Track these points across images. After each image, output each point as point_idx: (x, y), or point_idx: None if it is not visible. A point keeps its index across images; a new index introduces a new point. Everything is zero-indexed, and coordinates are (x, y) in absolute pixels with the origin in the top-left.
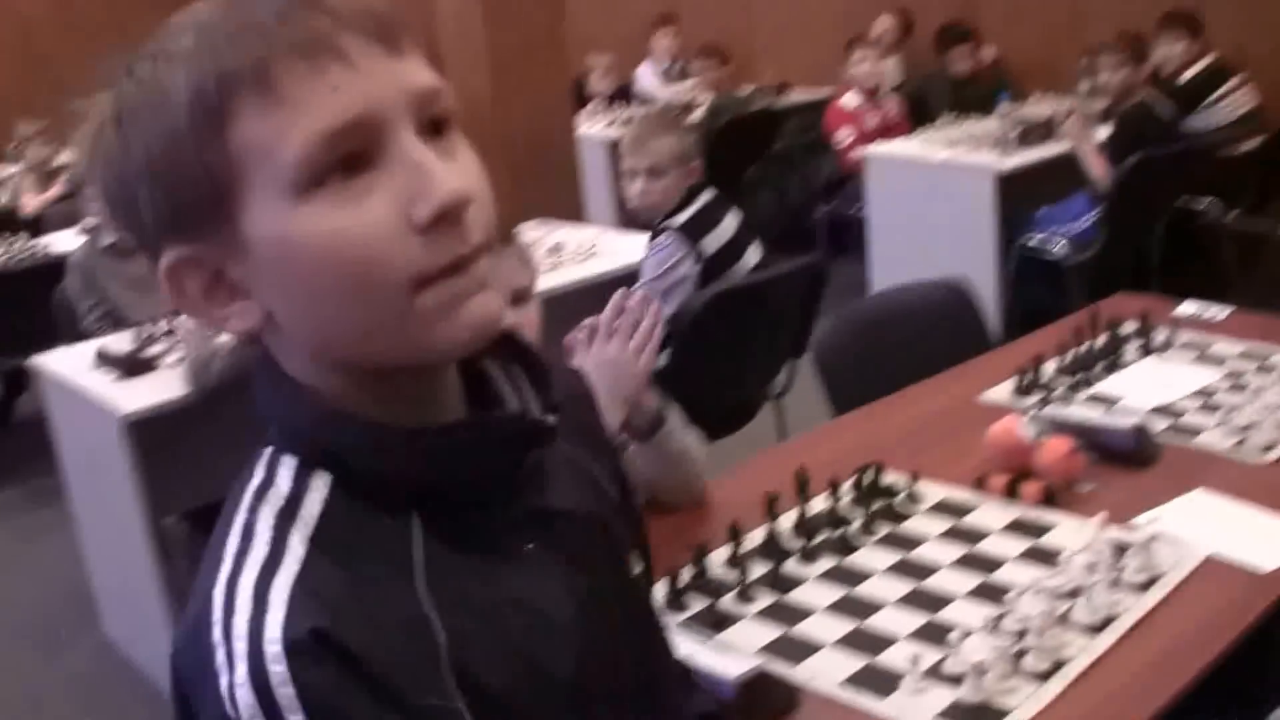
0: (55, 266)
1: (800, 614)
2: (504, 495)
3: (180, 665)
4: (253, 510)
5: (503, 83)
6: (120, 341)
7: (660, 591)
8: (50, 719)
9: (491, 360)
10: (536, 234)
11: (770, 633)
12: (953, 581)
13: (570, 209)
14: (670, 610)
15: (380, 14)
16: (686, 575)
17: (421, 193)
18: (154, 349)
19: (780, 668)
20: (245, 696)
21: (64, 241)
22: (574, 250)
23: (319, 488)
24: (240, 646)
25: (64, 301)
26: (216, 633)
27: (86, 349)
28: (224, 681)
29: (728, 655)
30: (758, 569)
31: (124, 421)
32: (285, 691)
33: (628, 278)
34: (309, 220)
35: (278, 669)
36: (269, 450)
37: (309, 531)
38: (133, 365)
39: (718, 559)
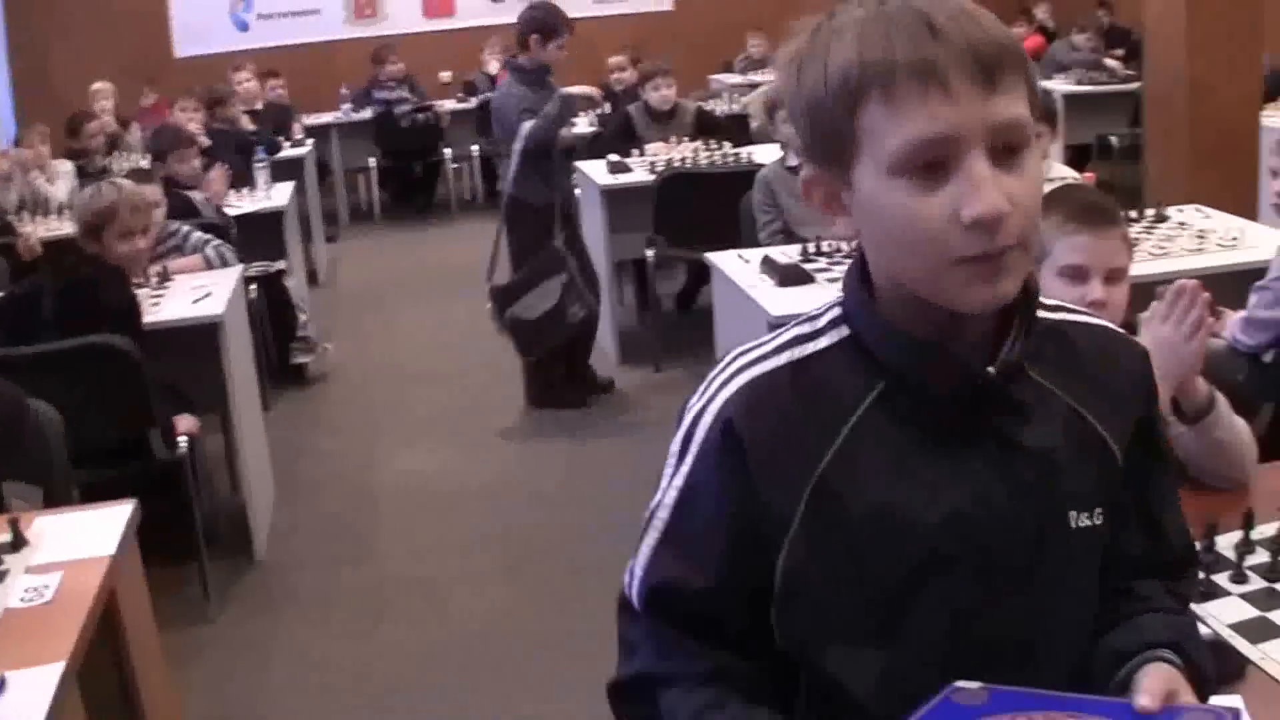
0: (749, 175)
1: None
2: (960, 407)
3: None
4: (789, 327)
5: (1198, 65)
6: (786, 253)
7: None
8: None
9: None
10: (1189, 218)
11: (1245, 613)
12: None
13: (1243, 200)
14: None
15: (985, 53)
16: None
17: (970, 201)
18: (817, 264)
19: (1238, 643)
20: (685, 424)
21: (765, 154)
22: (1218, 238)
23: (835, 335)
24: (707, 392)
25: (748, 209)
26: (711, 374)
27: (754, 254)
28: (687, 404)
29: None
30: (1260, 556)
31: (771, 323)
32: (698, 436)
33: (1258, 273)
34: (893, 194)
35: (705, 420)
36: (837, 299)
37: (801, 355)
38: (791, 275)
39: (1227, 540)
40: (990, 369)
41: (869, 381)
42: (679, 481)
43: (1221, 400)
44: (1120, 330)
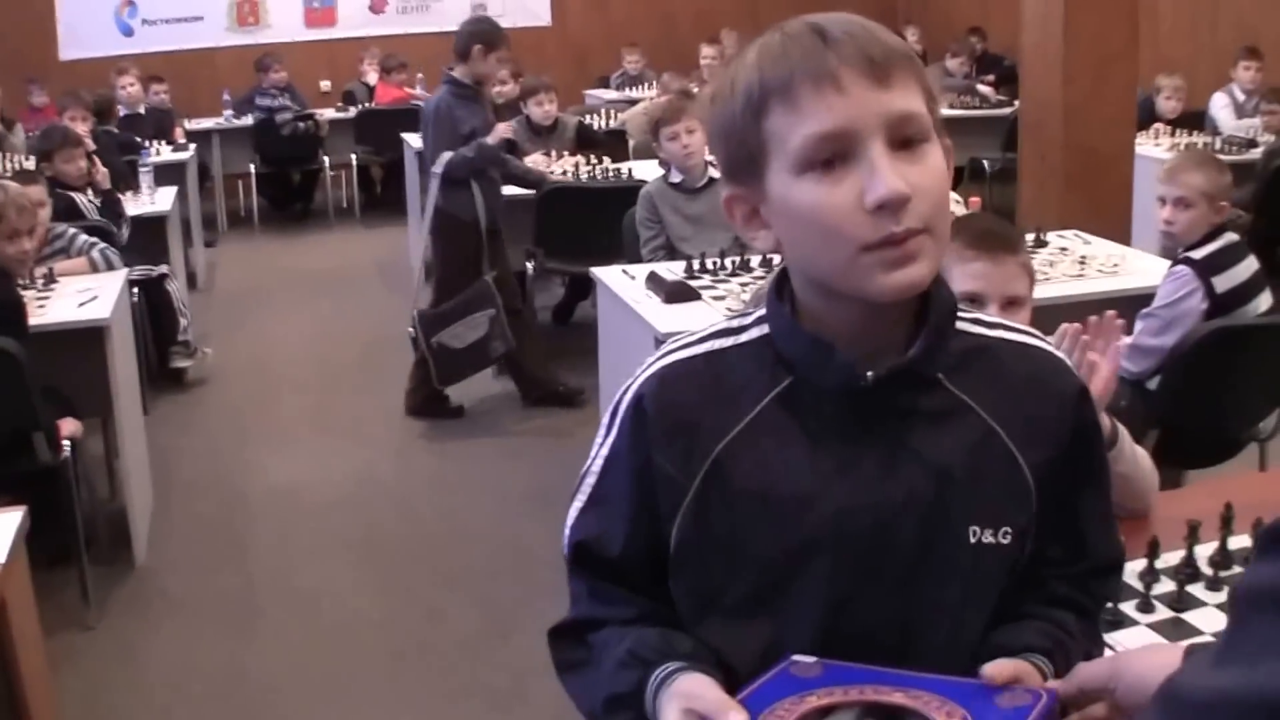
0: (631, 190)
1: (1189, 634)
2: (853, 408)
3: None
4: (721, 321)
5: (1073, 93)
6: (672, 270)
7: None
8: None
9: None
10: (1069, 243)
11: (1153, 642)
12: None
13: (1115, 225)
14: None
15: (874, 54)
16: None
17: (871, 186)
18: (701, 280)
19: None
20: (615, 399)
21: (644, 170)
22: (1099, 264)
23: (756, 332)
24: (637, 372)
25: (630, 224)
26: (645, 360)
27: (639, 270)
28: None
29: None
30: (1165, 585)
31: (658, 339)
32: (620, 411)
33: (1144, 298)
34: (801, 191)
35: (626, 397)
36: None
37: (721, 346)
38: (677, 292)
39: (1132, 568)
40: (870, 373)
41: (776, 376)
42: (604, 451)
43: (1124, 435)
44: (1062, 359)
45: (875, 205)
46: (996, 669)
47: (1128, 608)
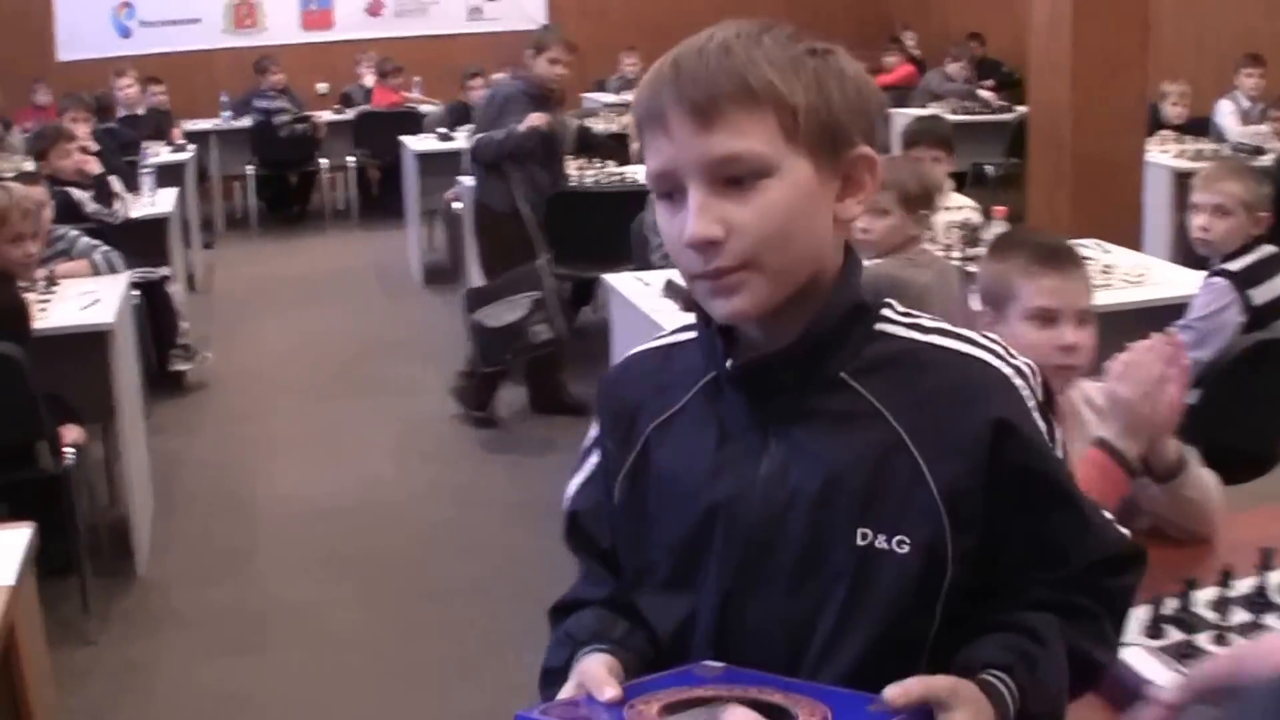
0: (637, 195)
1: None
2: (766, 409)
3: None
4: (678, 325)
5: (1081, 98)
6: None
7: (1141, 616)
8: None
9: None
10: (1090, 252)
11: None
12: None
13: (1126, 232)
14: (1147, 636)
15: (697, 97)
16: (1171, 605)
17: (684, 227)
18: None
19: None
20: None
21: None
22: (1124, 273)
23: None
24: None
25: (639, 229)
26: None
27: (654, 277)
28: None
29: None
30: (1240, 615)
31: None
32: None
33: (1172, 310)
34: (660, 215)
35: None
36: None
37: (676, 340)
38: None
39: (1204, 597)
40: (730, 362)
41: (708, 368)
42: (591, 433)
43: (1193, 459)
44: (1006, 375)
45: (687, 244)
46: (898, 691)
47: (1202, 640)
